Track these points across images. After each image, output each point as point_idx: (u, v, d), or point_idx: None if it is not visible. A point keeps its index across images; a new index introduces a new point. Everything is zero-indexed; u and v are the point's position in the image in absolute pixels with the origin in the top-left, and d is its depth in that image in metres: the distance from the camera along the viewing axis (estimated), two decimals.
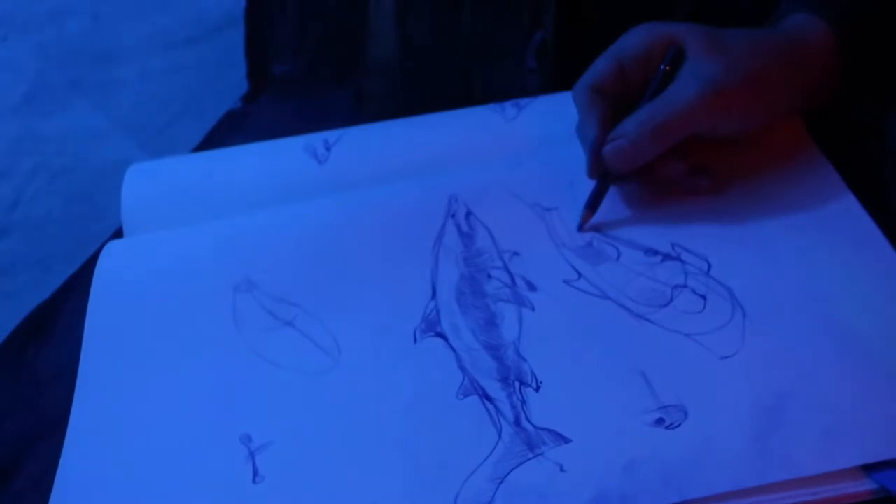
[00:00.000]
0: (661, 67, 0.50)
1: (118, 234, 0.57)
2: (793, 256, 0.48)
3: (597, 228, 0.51)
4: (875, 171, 0.51)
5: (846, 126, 0.53)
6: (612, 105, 0.51)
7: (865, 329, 0.44)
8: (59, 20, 0.97)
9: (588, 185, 0.51)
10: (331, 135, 0.58)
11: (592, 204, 0.51)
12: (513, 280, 0.49)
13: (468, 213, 0.53)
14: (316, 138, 0.58)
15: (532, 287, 0.49)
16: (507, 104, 0.59)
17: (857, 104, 0.53)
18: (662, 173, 0.51)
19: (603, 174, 0.51)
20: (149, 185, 0.57)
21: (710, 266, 0.48)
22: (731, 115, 0.49)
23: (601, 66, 0.51)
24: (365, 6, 0.70)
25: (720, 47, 0.49)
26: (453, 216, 0.53)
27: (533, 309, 0.48)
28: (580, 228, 0.51)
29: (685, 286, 0.47)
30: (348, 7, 0.71)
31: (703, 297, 0.47)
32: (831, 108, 0.52)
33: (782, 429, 0.41)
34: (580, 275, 0.49)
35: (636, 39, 0.51)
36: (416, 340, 0.47)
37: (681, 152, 0.50)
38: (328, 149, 0.57)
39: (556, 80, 0.62)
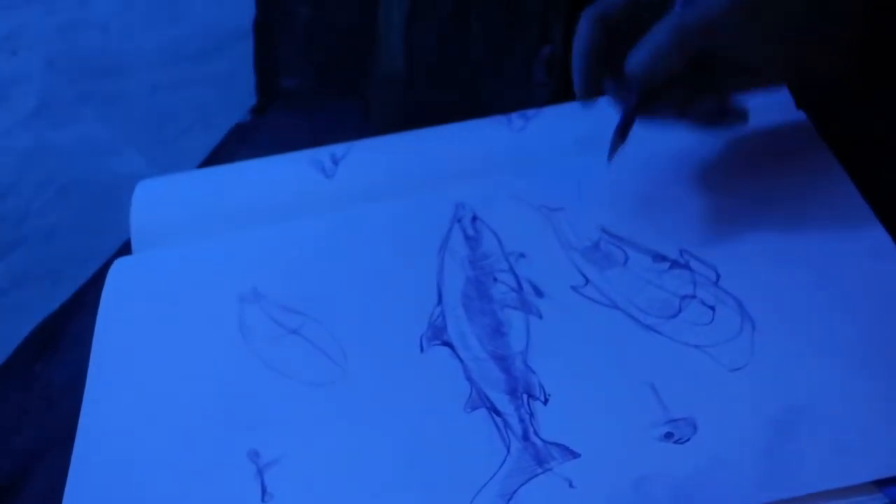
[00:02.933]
0: None
1: (126, 246, 0.57)
2: (804, 268, 0.47)
3: (606, 230, 0.51)
4: (882, 178, 0.51)
5: (852, 132, 0.53)
6: (614, 40, 0.49)
7: (878, 342, 0.43)
8: (68, 34, 0.97)
9: (596, 187, 0.51)
10: (338, 149, 0.58)
11: (622, 131, 0.49)
12: (519, 284, 0.49)
13: (474, 218, 0.53)
14: (323, 152, 0.58)
15: (539, 293, 0.49)
16: (515, 115, 0.59)
17: (865, 108, 0.53)
18: (695, 108, 0.50)
19: (590, 91, 0.49)
20: (157, 201, 0.57)
21: (718, 276, 0.48)
22: (753, 30, 0.47)
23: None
24: (373, 20, 0.70)
25: None
26: (459, 221, 0.53)
27: (540, 317, 0.47)
28: (609, 158, 0.49)
29: (694, 296, 0.47)
30: (356, 21, 0.72)
31: (712, 308, 0.46)
32: (837, 114, 0.52)
33: (793, 443, 0.40)
34: (587, 280, 0.49)
35: None
36: (422, 350, 0.47)
37: (711, 85, 0.49)
38: (335, 163, 0.57)
39: (565, 94, 0.62)
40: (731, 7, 0.46)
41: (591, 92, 0.50)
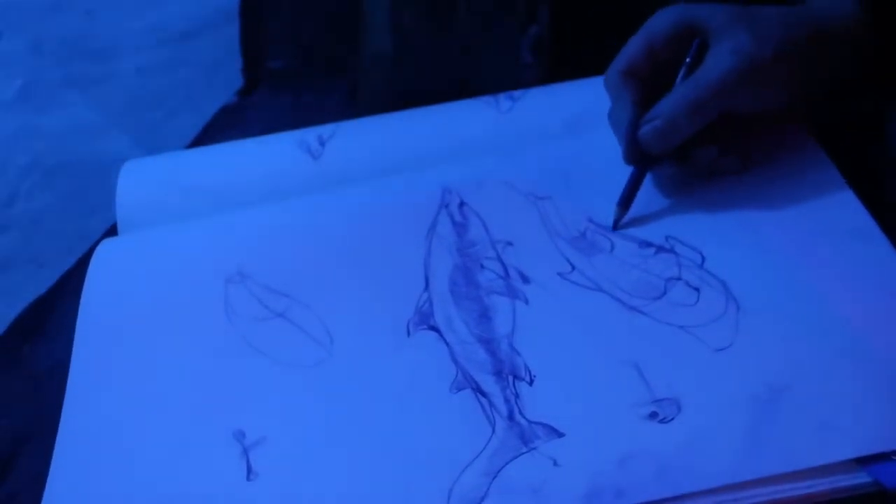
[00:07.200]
0: (687, 60, 0.50)
1: (114, 229, 0.57)
2: (787, 249, 0.47)
3: (593, 220, 0.51)
4: (873, 169, 0.51)
5: (845, 123, 0.53)
6: (644, 89, 0.51)
7: (860, 322, 0.44)
8: (54, 16, 0.97)
9: (583, 175, 0.51)
10: (324, 130, 0.58)
11: (627, 198, 0.50)
12: (506, 271, 0.49)
13: (462, 204, 0.53)
14: (310, 133, 0.58)
15: (525, 279, 0.49)
16: (502, 96, 0.58)
17: (857, 100, 0.53)
18: (696, 157, 0.50)
19: (639, 159, 0.50)
20: (143, 182, 0.57)
21: (703, 259, 0.48)
22: (765, 87, 0.49)
23: (632, 49, 0.51)
24: (359, 0, 0.70)
25: (748, 20, 0.48)
26: (447, 207, 0.53)
27: (526, 302, 0.48)
28: (615, 227, 0.50)
29: (679, 278, 0.47)
30: (343, 1, 0.71)
31: (697, 289, 0.47)
32: (830, 104, 0.52)
33: (776, 422, 0.41)
34: (573, 267, 0.49)
35: (665, 20, 0.51)
36: (409, 333, 0.47)
37: (710, 135, 0.50)
38: (322, 144, 0.57)
39: (552, 75, 0.62)
40: (745, 70, 0.47)
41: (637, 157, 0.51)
